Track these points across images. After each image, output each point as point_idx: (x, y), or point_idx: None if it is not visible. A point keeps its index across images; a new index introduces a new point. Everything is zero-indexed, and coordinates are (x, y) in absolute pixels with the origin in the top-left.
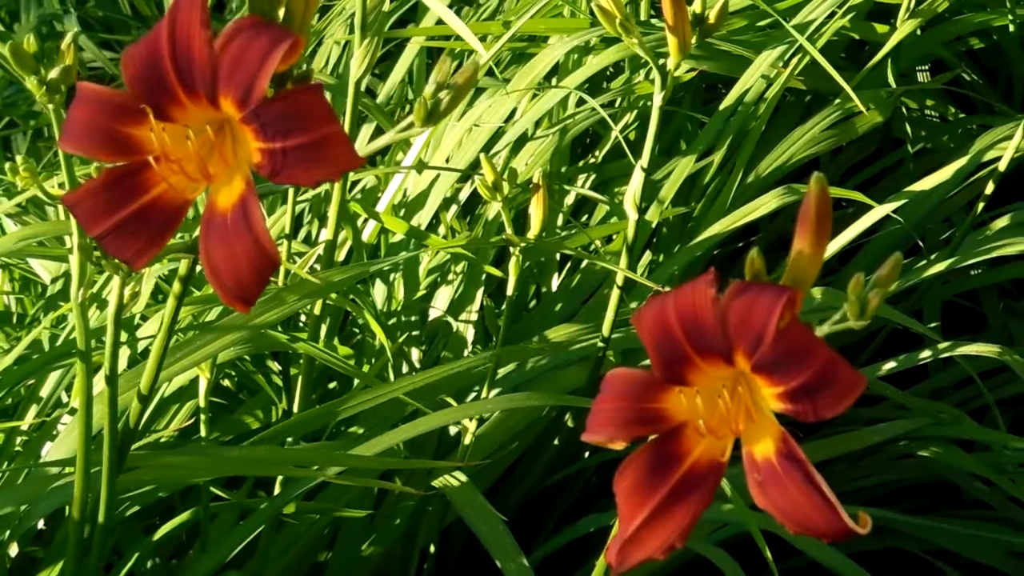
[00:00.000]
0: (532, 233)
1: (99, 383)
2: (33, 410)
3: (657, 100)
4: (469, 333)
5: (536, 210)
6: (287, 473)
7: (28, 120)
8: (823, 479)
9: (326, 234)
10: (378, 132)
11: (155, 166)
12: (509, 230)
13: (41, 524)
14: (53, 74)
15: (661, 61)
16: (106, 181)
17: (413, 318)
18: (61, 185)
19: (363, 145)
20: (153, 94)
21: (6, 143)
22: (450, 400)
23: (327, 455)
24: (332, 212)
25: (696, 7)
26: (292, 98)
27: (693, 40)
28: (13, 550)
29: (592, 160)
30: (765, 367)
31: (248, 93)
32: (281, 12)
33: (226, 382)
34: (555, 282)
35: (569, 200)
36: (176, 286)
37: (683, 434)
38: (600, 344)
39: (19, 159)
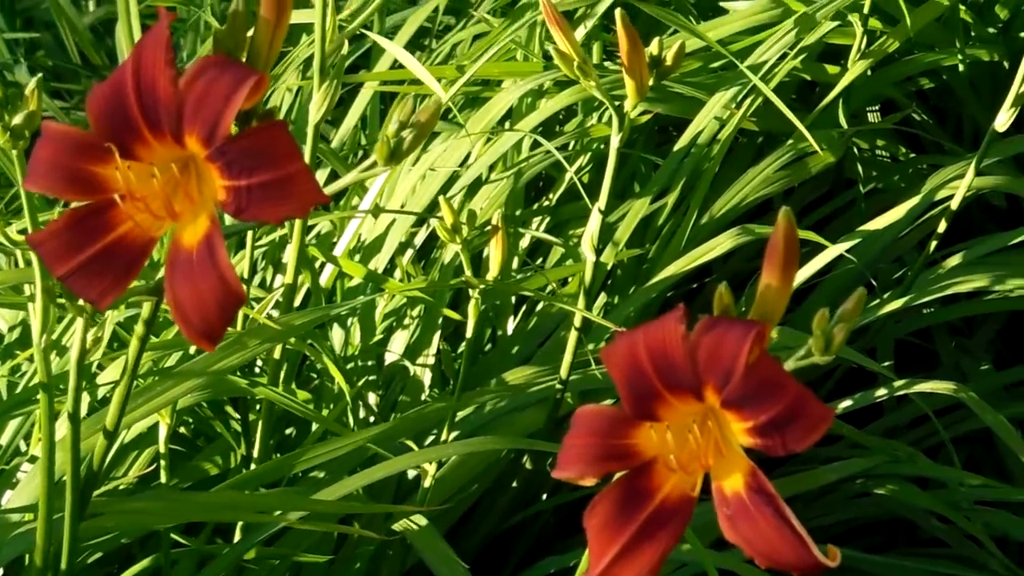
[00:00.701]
0: (491, 275)
1: (60, 429)
2: None
3: (614, 142)
4: (426, 377)
5: (496, 251)
6: (250, 519)
7: None
8: (792, 513)
9: (285, 278)
10: (333, 176)
11: (121, 204)
12: (468, 272)
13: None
14: (17, 120)
15: (617, 103)
16: (70, 221)
17: (370, 363)
18: (22, 231)
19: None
20: (118, 133)
21: None
22: (410, 444)
23: (290, 500)
24: (292, 255)
25: (653, 49)
26: (257, 135)
27: (650, 82)
28: None
29: (546, 203)
30: (735, 402)
31: (213, 131)
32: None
33: (182, 429)
34: (511, 325)
35: (524, 243)
36: (139, 328)
37: (653, 470)
38: (558, 386)
39: None
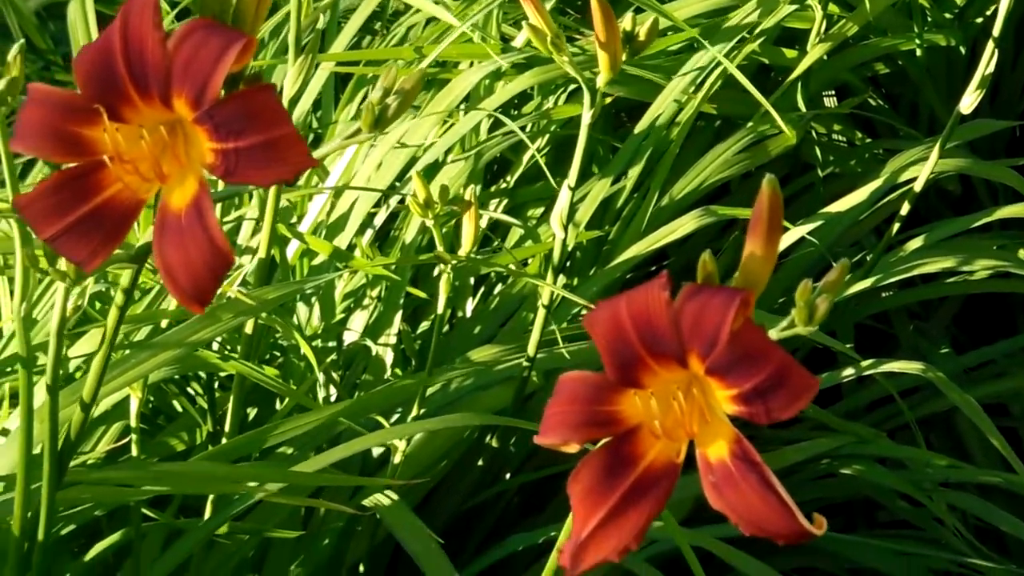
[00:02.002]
0: (464, 250)
1: (37, 398)
2: None
3: (586, 118)
4: (388, 356)
5: (468, 226)
6: (229, 489)
7: None
8: (778, 481)
9: (258, 253)
10: None
11: (109, 166)
12: (440, 247)
13: None
14: (0, 85)
15: (588, 77)
16: (58, 182)
17: (330, 343)
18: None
19: None
20: (106, 95)
21: None
22: (381, 420)
23: (269, 472)
24: (265, 229)
25: (626, 25)
26: (245, 98)
27: (623, 57)
28: None
29: (504, 185)
30: (719, 369)
31: (201, 93)
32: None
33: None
34: (470, 307)
35: (482, 224)
36: (119, 296)
37: (637, 436)
38: (525, 364)
39: None
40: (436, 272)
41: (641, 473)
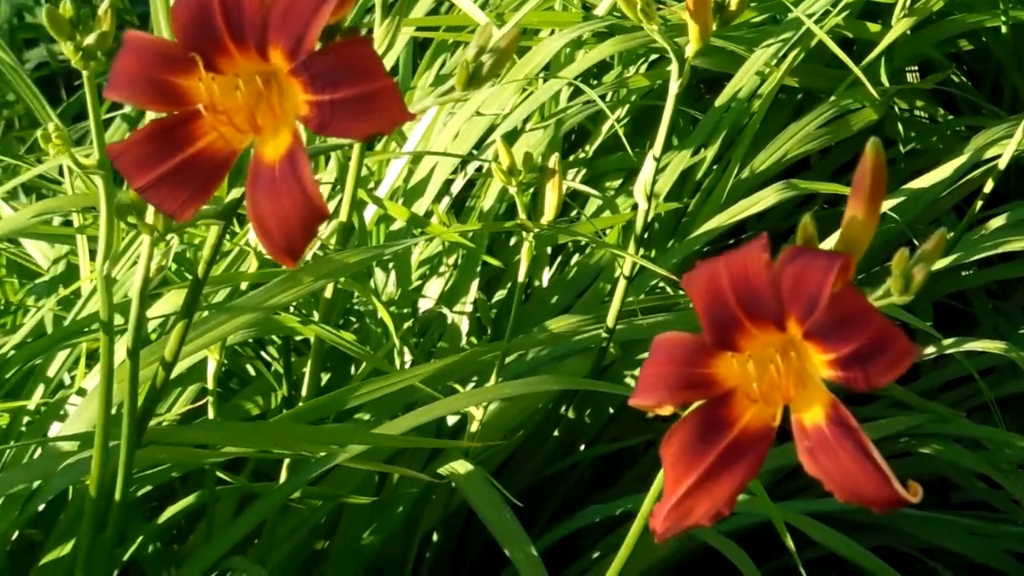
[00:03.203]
0: (547, 218)
1: (116, 358)
2: (40, 391)
3: (673, 87)
4: (463, 325)
5: (551, 194)
6: (310, 449)
7: (0, 110)
8: (875, 447)
9: (341, 216)
10: None
11: (204, 116)
12: (523, 215)
13: (40, 507)
14: (90, 40)
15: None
16: (151, 132)
17: (406, 310)
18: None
19: None
20: (202, 44)
21: None
22: (459, 387)
23: (348, 434)
24: (347, 192)
25: None
26: (342, 50)
27: (714, 27)
28: (13, 532)
29: (582, 155)
30: (817, 333)
31: (298, 44)
32: None
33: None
34: (546, 276)
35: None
36: (206, 252)
37: (732, 400)
38: (604, 335)
39: (51, 126)
40: (513, 241)
41: (735, 437)
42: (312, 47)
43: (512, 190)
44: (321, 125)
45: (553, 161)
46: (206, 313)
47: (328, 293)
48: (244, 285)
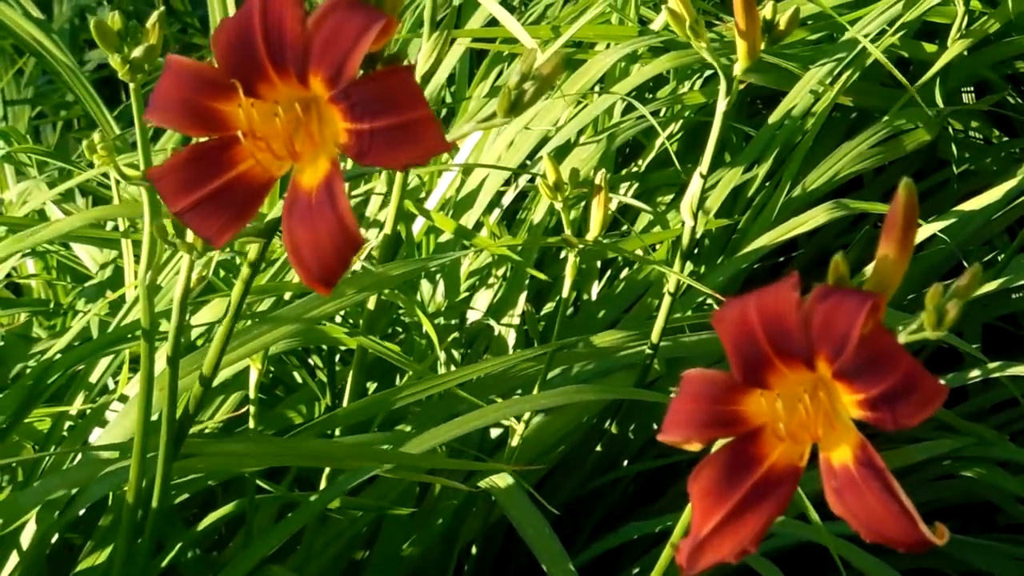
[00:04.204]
0: (592, 235)
1: (157, 367)
2: (82, 396)
3: (721, 105)
4: (511, 337)
5: (597, 211)
6: (344, 465)
7: (58, 111)
8: (901, 489)
9: (384, 229)
10: None
11: (243, 142)
12: (568, 231)
13: (80, 512)
14: (137, 52)
15: (725, 64)
16: (190, 156)
17: (453, 321)
18: (128, 166)
19: None
20: (242, 70)
21: (36, 134)
22: (498, 399)
23: (378, 452)
24: (392, 205)
25: (766, 13)
26: (383, 79)
27: (762, 46)
28: (52, 537)
29: (635, 169)
30: (847, 373)
31: (339, 72)
32: None
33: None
34: (595, 290)
35: (611, 208)
36: (245, 270)
37: (761, 437)
38: (648, 351)
39: (96, 136)
40: (563, 254)
41: (763, 475)
42: (353, 75)
43: (558, 206)
44: (360, 154)
45: (600, 178)
46: (249, 322)
47: (371, 305)
48: (288, 295)
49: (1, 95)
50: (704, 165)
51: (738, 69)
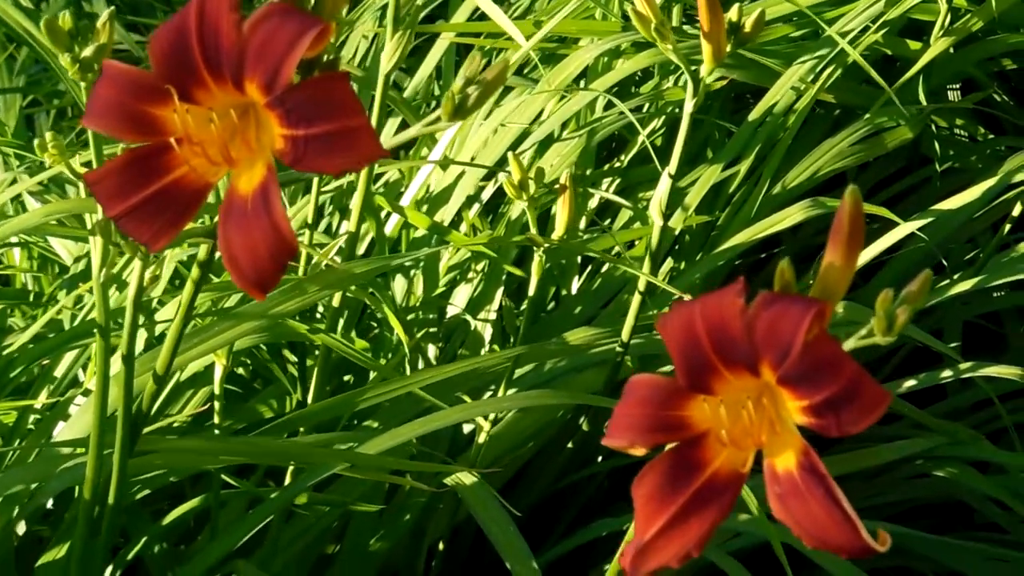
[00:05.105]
0: (557, 234)
1: (115, 364)
2: (47, 390)
3: (688, 107)
4: (487, 332)
5: (562, 211)
6: (301, 463)
7: (52, 99)
8: (844, 495)
9: (349, 226)
10: (404, 126)
11: (177, 148)
12: (533, 230)
13: (50, 504)
14: (87, 52)
15: (694, 68)
16: (127, 161)
17: (431, 315)
18: (86, 164)
19: (388, 138)
20: (178, 75)
21: (29, 122)
22: (466, 398)
23: (335, 453)
24: (356, 203)
25: (732, 15)
26: (318, 85)
27: (728, 48)
28: (20, 528)
29: (617, 164)
30: (791, 380)
31: (274, 78)
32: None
33: (240, 370)
34: (575, 285)
35: (593, 203)
36: (195, 271)
37: (705, 443)
38: (619, 349)
39: (48, 135)
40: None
41: (706, 480)
42: (288, 81)
43: (522, 204)
44: (295, 159)
45: (565, 177)
46: (214, 318)
47: (336, 302)
48: None
49: None
50: (672, 165)
51: (704, 71)
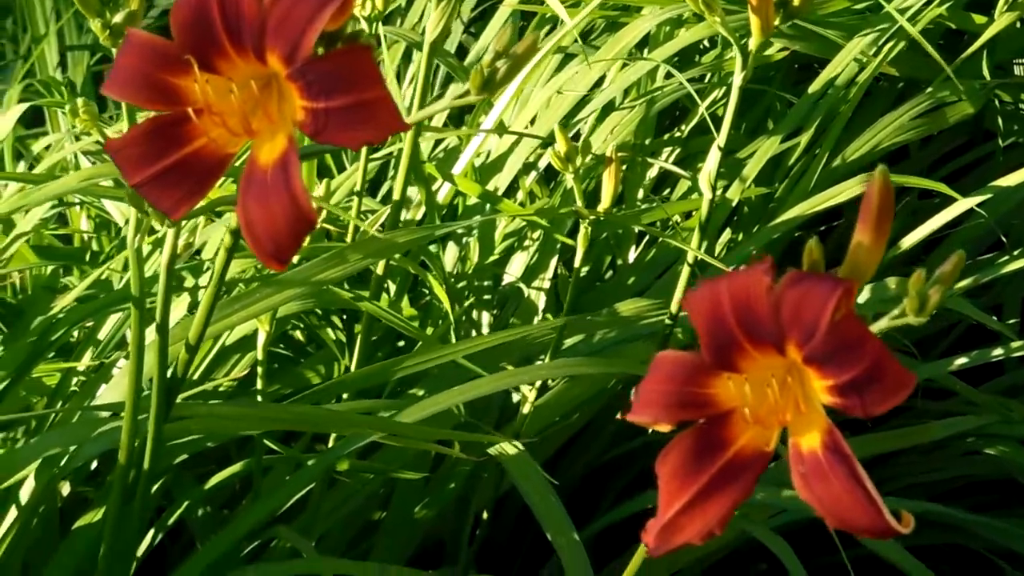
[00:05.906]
0: (602, 206)
1: (152, 331)
2: (90, 352)
3: (737, 80)
4: (540, 300)
5: (608, 184)
6: (337, 431)
7: None
8: (867, 475)
9: (394, 194)
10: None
11: (197, 118)
12: (580, 202)
13: (94, 465)
14: (117, 18)
15: (743, 41)
16: (148, 130)
17: (486, 282)
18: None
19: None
20: (200, 45)
21: (97, 79)
22: (509, 367)
23: (369, 419)
24: (400, 173)
25: None
26: (339, 58)
27: (776, 22)
28: (65, 489)
29: (678, 134)
30: (817, 359)
31: (295, 50)
32: None
33: (297, 334)
34: (632, 255)
35: (652, 173)
36: (227, 238)
37: (729, 421)
38: (668, 321)
39: (79, 101)
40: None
41: (730, 458)
42: (308, 53)
43: (569, 176)
44: (316, 132)
45: (610, 150)
46: (257, 284)
47: (380, 270)
48: (297, 258)
49: (60, 40)
50: (721, 138)
51: (752, 44)
